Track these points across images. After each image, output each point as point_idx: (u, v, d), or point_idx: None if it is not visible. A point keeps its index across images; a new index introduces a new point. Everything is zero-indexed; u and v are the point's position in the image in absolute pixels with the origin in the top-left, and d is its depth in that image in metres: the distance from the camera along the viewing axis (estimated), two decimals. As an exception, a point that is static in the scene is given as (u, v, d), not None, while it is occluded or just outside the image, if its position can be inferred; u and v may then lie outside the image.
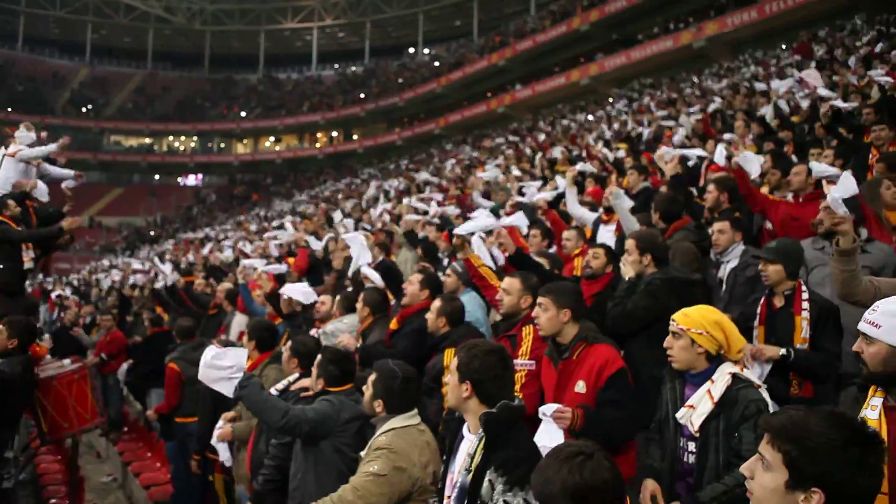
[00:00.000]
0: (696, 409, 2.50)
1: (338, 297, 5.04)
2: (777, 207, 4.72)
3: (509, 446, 2.24)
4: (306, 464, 3.22)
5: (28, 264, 6.29)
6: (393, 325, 4.28)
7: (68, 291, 14.95)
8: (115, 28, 48.57)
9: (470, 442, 2.30)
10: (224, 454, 4.45)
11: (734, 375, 2.55)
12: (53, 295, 14.37)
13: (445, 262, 6.33)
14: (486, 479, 2.16)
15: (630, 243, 3.74)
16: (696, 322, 2.59)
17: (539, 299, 3.13)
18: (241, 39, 49.40)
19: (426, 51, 44.58)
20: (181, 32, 48.75)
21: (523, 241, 5.62)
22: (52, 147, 7.05)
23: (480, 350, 2.39)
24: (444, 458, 2.43)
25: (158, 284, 10.41)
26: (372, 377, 2.88)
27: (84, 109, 46.15)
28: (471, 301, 4.35)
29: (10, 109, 38.57)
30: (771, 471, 1.41)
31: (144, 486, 7.00)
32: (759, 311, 3.36)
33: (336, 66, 48.70)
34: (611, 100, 24.69)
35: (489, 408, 2.29)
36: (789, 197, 4.97)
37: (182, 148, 48.72)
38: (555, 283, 3.42)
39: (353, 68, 47.40)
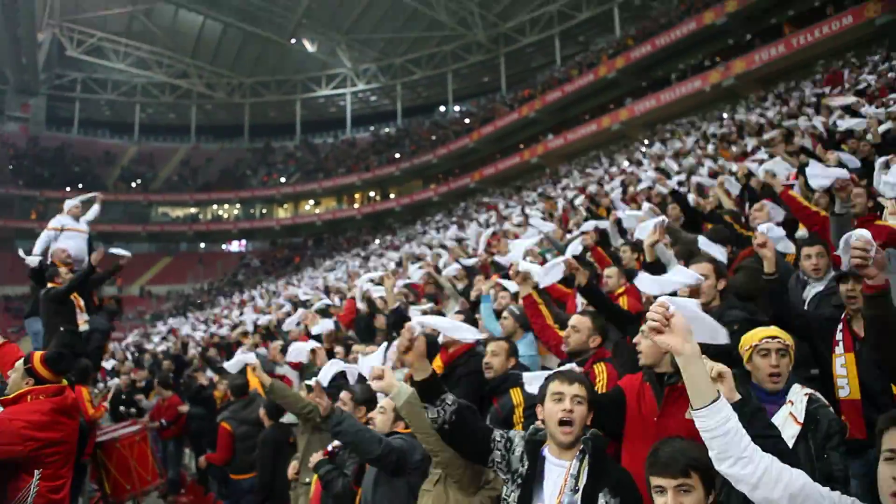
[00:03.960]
0: (783, 434, 2.41)
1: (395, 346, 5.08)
2: None
3: (615, 469, 2.33)
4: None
5: (83, 326, 6.56)
6: (438, 367, 4.14)
7: (127, 355, 15.37)
8: (160, 106, 51.51)
9: (564, 467, 2.33)
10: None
11: (810, 395, 2.50)
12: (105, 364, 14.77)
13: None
14: (602, 500, 2.22)
15: (708, 268, 3.56)
16: (790, 339, 2.58)
17: (643, 327, 3.10)
18: (278, 109, 51.53)
19: (456, 108, 45.66)
20: (222, 106, 51.26)
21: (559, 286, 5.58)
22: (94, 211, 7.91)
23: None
24: (518, 483, 2.40)
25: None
26: None
27: (133, 184, 48.29)
28: (529, 344, 4.34)
29: (68, 189, 40.66)
30: None
31: (203, 548, 7.02)
32: (840, 337, 3.16)
33: (370, 128, 50.23)
34: (645, 142, 24.70)
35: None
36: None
37: (226, 215, 50.35)
38: None
39: (387, 129, 48.78)
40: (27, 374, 3.39)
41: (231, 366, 5.30)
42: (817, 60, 21.48)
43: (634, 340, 3.07)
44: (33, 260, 6.87)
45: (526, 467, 2.40)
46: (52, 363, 3.43)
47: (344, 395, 4.13)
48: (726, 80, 25.14)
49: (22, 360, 3.44)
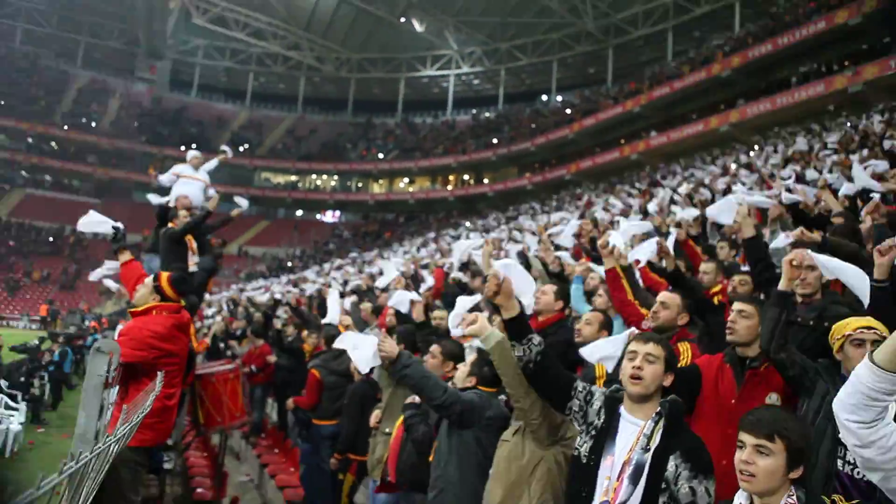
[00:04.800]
0: None
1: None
2: None
3: (689, 435, 2.35)
4: (448, 453, 3.38)
5: (193, 268, 7.08)
6: None
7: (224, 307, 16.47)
8: (271, 76, 53.91)
9: (638, 425, 2.37)
10: None
11: None
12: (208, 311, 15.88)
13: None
14: (672, 463, 2.24)
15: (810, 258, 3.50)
16: (886, 331, 2.51)
17: (742, 306, 3.06)
18: (382, 86, 52.67)
19: (559, 97, 45.04)
20: (329, 79, 53.00)
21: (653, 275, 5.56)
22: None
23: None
24: (592, 434, 2.47)
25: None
26: None
27: (241, 149, 50.84)
28: (621, 325, 4.37)
29: (182, 148, 43.44)
30: None
31: (279, 487, 7.43)
32: None
33: (471, 111, 50.41)
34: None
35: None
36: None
37: (323, 186, 52.18)
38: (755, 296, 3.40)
39: (487, 114, 48.77)
40: (154, 290, 3.78)
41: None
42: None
43: (730, 318, 3.05)
44: (154, 198, 7.51)
45: (602, 420, 2.47)
46: (176, 283, 3.82)
47: (434, 347, 4.29)
48: (853, 86, 23.36)
49: (151, 278, 3.84)
